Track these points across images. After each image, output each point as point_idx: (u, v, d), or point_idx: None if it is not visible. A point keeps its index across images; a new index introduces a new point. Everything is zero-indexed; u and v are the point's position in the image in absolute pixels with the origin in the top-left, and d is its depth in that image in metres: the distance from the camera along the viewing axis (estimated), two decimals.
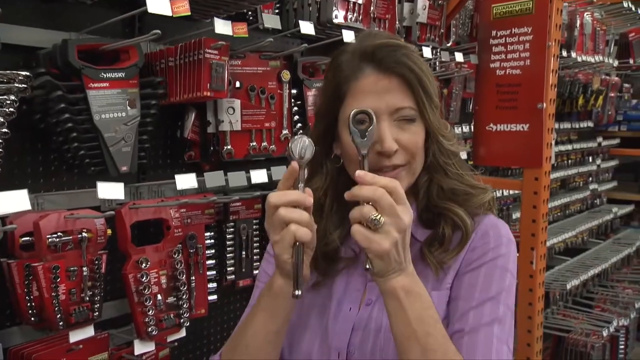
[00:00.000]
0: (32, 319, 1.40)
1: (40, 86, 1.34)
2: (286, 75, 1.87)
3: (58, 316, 1.38)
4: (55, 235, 1.38)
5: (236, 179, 1.62)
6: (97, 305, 1.46)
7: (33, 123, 1.44)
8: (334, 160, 1.06)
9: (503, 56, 2.42)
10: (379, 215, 0.85)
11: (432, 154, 1.05)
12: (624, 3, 3.56)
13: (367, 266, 0.88)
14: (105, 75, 1.46)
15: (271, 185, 1.80)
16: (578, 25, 3.42)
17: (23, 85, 1.20)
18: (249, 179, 1.65)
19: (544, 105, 2.31)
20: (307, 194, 0.90)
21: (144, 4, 1.32)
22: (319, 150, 1.06)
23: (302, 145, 0.91)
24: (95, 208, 1.53)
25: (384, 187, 0.86)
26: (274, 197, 0.90)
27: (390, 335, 0.93)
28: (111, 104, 1.47)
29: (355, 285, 1.08)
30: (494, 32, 2.45)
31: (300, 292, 0.88)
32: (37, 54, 1.44)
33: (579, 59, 3.41)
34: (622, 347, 3.62)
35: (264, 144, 1.85)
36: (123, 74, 1.50)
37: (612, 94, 4.32)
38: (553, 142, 2.45)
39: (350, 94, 1.01)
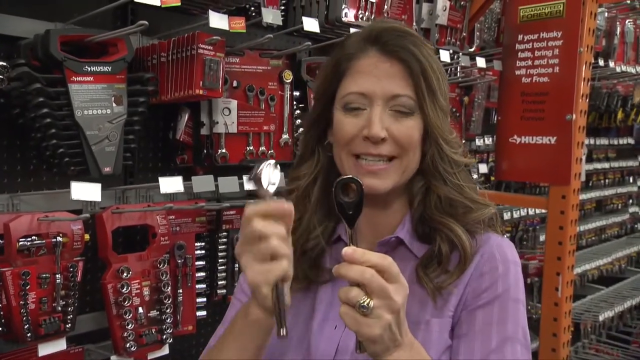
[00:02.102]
0: None
1: (17, 78, 1.33)
2: (288, 75, 1.85)
3: (26, 327, 1.35)
4: (27, 239, 1.36)
5: (227, 184, 1.58)
6: (70, 317, 1.44)
7: (11, 118, 1.43)
8: (327, 148, 1.04)
9: (530, 62, 2.35)
10: (368, 301, 0.79)
11: (430, 158, 0.99)
12: None
13: (358, 350, 0.83)
14: (89, 69, 1.45)
15: None
16: (618, 33, 3.33)
17: None
18: (241, 185, 1.61)
19: (574, 116, 2.23)
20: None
21: None
22: (311, 135, 1.05)
23: (268, 171, 0.83)
24: (76, 212, 1.51)
25: (375, 267, 0.79)
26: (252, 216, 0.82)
27: None
28: (95, 100, 1.46)
29: None
30: (520, 37, 2.39)
31: (286, 331, 0.83)
32: (19, 45, 1.44)
33: (618, 69, 3.31)
34: None
35: (262, 148, 1.82)
36: (109, 68, 1.48)
37: None
38: (583, 158, 2.36)
39: (349, 73, 0.99)
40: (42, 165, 1.54)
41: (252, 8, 1.83)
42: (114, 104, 1.49)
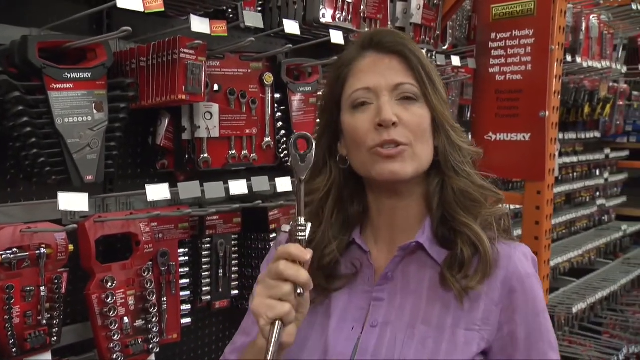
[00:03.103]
0: None
1: None
2: (269, 78, 1.87)
3: (11, 341, 1.35)
4: (9, 252, 1.35)
5: (213, 190, 1.60)
6: (55, 330, 1.44)
7: None
8: (340, 161, 1.09)
9: (503, 60, 2.45)
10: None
11: (442, 149, 1.04)
12: (633, 5, 3.61)
13: None
14: (69, 76, 1.44)
15: (252, 197, 1.79)
16: (583, 29, 3.47)
17: None
18: (227, 190, 1.64)
19: (547, 113, 2.33)
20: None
21: None
22: (321, 146, 1.09)
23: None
24: (56, 221, 1.51)
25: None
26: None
27: None
28: (75, 107, 1.46)
29: (359, 304, 1.07)
30: (493, 35, 2.48)
31: None
32: None
33: (585, 65, 3.45)
34: None
35: (245, 152, 1.84)
36: (89, 75, 1.48)
37: (621, 102, 4.37)
38: (557, 153, 2.47)
39: (351, 75, 1.06)
40: (20, 175, 1.53)
41: (230, 10, 1.85)
42: (94, 111, 1.50)
